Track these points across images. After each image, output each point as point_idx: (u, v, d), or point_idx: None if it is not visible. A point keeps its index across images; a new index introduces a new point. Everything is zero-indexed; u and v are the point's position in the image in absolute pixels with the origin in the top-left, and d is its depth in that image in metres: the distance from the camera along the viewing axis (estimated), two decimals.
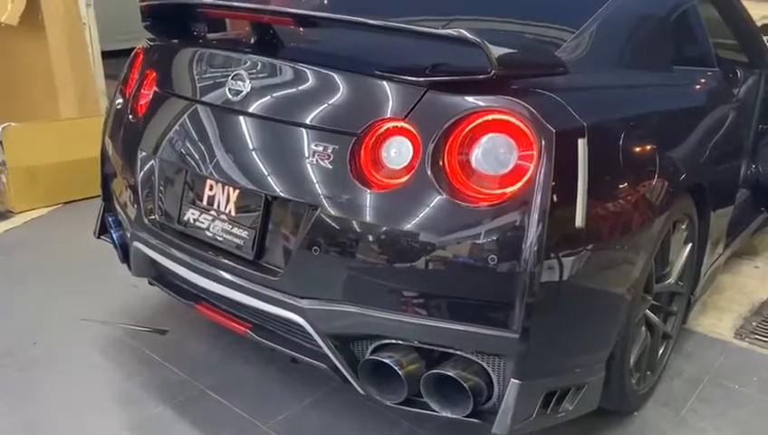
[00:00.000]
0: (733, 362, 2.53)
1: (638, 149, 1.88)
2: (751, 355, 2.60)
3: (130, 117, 2.31)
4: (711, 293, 2.99)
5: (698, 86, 2.52)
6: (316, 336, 1.79)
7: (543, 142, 1.55)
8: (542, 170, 1.55)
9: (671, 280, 2.26)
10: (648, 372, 2.25)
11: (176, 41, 2.26)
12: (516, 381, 1.64)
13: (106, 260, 2.75)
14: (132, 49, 2.52)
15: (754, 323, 2.82)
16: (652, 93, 2.15)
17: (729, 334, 2.74)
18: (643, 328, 2.15)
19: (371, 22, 1.71)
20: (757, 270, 3.37)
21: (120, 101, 2.42)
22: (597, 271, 1.75)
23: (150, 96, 2.26)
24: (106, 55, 5.47)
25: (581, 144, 1.60)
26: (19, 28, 4.15)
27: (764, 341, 2.69)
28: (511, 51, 1.65)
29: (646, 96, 2.10)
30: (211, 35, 2.32)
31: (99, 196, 2.59)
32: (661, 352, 2.34)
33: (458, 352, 1.70)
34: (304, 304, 1.78)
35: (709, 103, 2.51)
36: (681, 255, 2.29)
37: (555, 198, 1.56)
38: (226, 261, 1.94)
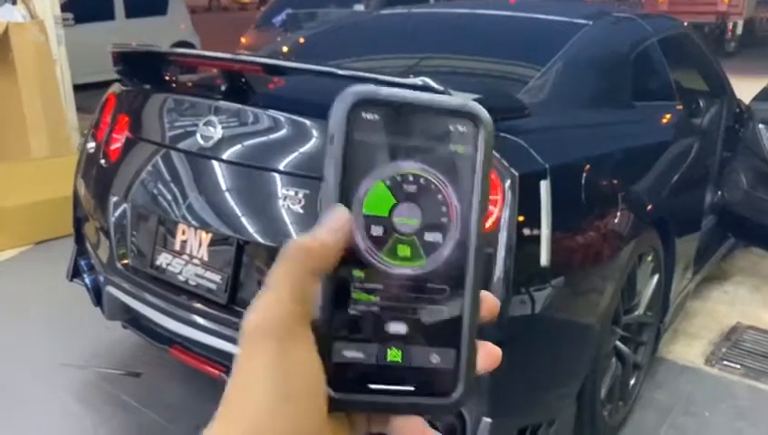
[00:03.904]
0: (703, 390, 2.58)
1: (600, 188, 1.93)
2: (721, 382, 2.65)
3: (102, 162, 2.32)
4: (681, 319, 3.05)
5: (661, 120, 2.59)
6: None
7: (507, 185, 1.60)
8: (507, 212, 1.59)
9: (639, 311, 2.30)
10: (620, 403, 2.28)
11: (147, 86, 2.28)
12: (488, 419, 1.66)
13: (78, 302, 2.73)
14: (105, 82, 2.53)
15: (724, 349, 2.87)
16: (614, 131, 2.21)
17: (699, 361, 2.79)
18: (613, 359, 2.19)
19: (338, 71, 1.75)
20: (726, 295, 3.43)
21: (92, 144, 2.43)
22: (564, 307, 1.79)
23: (122, 141, 2.27)
24: (78, 88, 5.48)
25: (544, 186, 1.65)
26: None
27: (733, 367, 2.74)
28: (475, 96, 1.70)
29: (608, 134, 2.16)
30: (182, 81, 2.34)
31: (70, 235, 2.58)
32: (632, 382, 2.38)
33: None
34: None
35: (672, 137, 2.58)
36: (648, 286, 2.34)
37: (520, 239, 1.60)
38: (199, 305, 1.95)
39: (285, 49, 2.89)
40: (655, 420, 2.38)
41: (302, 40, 3.08)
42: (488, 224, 1.61)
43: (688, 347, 2.89)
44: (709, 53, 3.33)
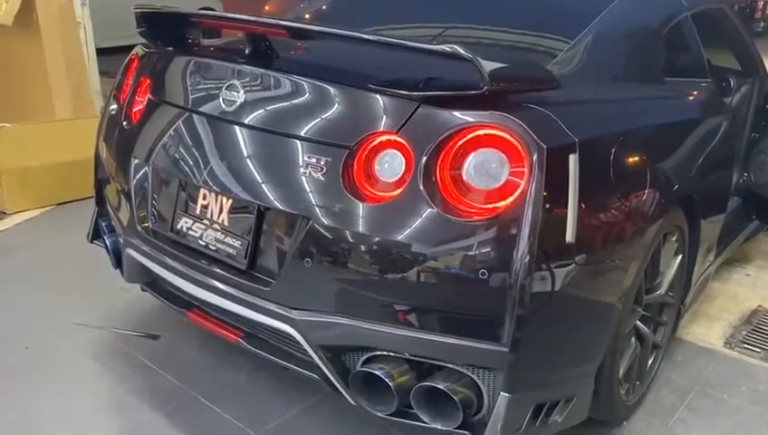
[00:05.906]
0: (722, 372, 2.55)
1: (629, 164, 1.89)
2: (740, 365, 2.62)
3: (124, 123, 2.31)
4: (702, 301, 3.01)
5: (690, 97, 2.53)
6: (307, 347, 1.80)
7: (534, 158, 1.56)
8: (533, 186, 1.56)
9: (661, 291, 2.27)
10: (638, 383, 2.26)
11: (170, 48, 2.26)
12: (506, 394, 1.65)
13: (98, 263, 2.75)
14: (129, 46, 2.52)
15: (744, 332, 2.84)
16: (644, 107, 2.16)
17: (719, 343, 2.76)
18: (633, 339, 2.17)
19: (365, 36, 1.72)
20: (748, 278, 3.39)
21: (115, 106, 2.42)
22: (587, 284, 1.76)
23: (144, 103, 2.26)
24: (102, 52, 5.46)
25: (572, 160, 1.61)
26: (13, 28, 4.13)
27: (753, 350, 2.71)
28: (503, 65, 1.66)
29: (638, 110, 2.11)
30: (206, 44, 2.32)
31: (91, 197, 2.59)
32: (651, 362, 2.35)
33: (449, 365, 1.71)
34: (296, 314, 1.79)
35: (701, 115, 2.52)
36: (671, 266, 2.31)
37: (546, 214, 1.57)
38: (219, 270, 1.95)
39: (310, 13, 2.85)
40: (672, 401, 2.36)
41: (325, 6, 3.03)
42: (513, 197, 1.58)
43: (708, 329, 2.86)
44: (744, 30, 3.24)
